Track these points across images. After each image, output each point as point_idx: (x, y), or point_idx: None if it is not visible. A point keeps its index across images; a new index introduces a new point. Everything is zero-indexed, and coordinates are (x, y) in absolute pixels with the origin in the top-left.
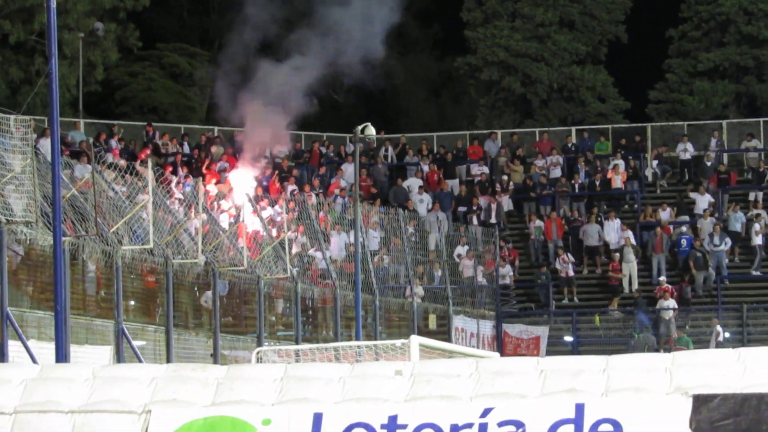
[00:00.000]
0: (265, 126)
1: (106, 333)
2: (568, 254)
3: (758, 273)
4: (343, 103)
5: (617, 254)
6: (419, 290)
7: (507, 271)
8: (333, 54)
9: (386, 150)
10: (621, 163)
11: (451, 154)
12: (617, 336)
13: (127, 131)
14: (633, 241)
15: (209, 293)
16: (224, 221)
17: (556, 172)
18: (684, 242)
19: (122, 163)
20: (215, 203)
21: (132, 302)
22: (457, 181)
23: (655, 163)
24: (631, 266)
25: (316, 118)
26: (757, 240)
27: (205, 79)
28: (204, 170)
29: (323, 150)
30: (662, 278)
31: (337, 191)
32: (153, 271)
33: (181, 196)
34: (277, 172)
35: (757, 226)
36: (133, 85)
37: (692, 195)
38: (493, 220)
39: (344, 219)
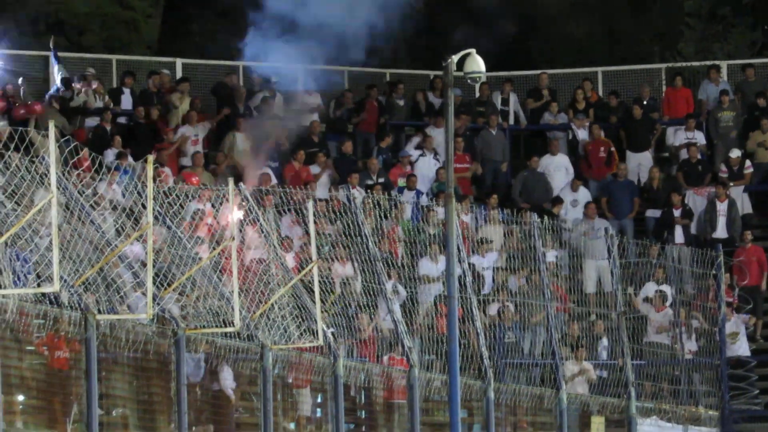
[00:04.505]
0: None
1: None
2: None
3: None
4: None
5: None
6: (584, 369)
7: (742, 331)
8: None
9: (506, 102)
10: None
11: (638, 107)
12: None
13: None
14: None
15: (227, 376)
16: (198, 242)
17: None
18: None
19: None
20: (179, 206)
21: (21, 397)
22: (647, 156)
23: None
24: None
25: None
26: None
27: None
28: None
29: (383, 101)
30: None
31: (402, 181)
32: (62, 337)
33: (119, 198)
34: (299, 147)
35: None
36: None
37: None
38: (719, 233)
39: (424, 233)
